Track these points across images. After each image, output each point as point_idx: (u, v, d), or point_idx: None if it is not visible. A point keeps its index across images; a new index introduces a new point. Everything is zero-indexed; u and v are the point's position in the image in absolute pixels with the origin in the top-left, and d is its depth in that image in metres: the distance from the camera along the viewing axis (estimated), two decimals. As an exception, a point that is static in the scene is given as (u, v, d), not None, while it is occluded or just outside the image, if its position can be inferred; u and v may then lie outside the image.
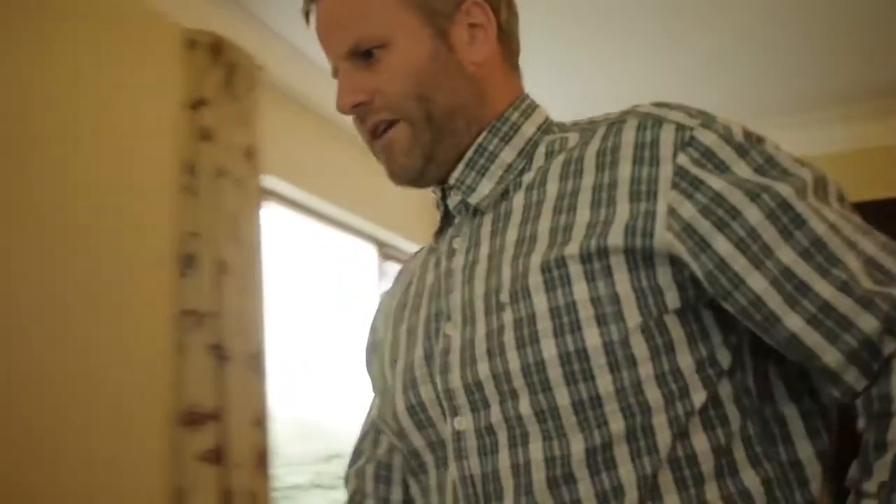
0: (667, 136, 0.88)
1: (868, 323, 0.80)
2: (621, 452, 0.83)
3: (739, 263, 0.83)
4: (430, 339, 0.95)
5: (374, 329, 1.13)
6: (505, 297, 0.87)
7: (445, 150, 0.98)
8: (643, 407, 0.83)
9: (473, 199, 0.99)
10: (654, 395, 0.84)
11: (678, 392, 0.84)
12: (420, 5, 0.97)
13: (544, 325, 0.84)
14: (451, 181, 1.00)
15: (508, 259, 0.90)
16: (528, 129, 1.01)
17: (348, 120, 1.02)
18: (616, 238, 0.85)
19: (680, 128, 0.88)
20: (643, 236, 0.85)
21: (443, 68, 0.97)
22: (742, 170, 0.86)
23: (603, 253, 0.85)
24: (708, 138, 0.87)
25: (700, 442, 0.84)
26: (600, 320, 0.83)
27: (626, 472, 0.83)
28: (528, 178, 0.97)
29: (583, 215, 0.88)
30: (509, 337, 0.86)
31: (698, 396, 0.84)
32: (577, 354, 0.83)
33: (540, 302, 0.85)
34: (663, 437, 0.83)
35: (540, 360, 0.84)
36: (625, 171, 0.88)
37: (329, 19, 0.98)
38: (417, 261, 1.10)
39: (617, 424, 0.83)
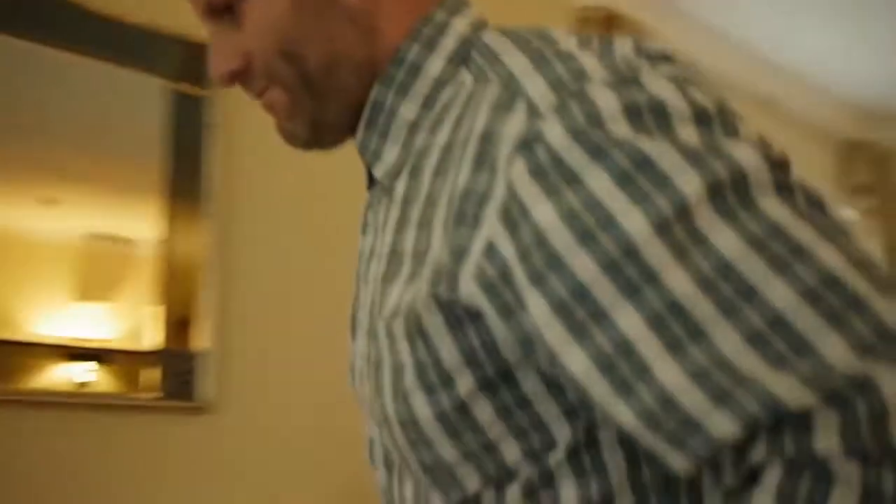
0: (510, 130, 0.64)
1: (720, 426, 0.57)
2: None
3: (554, 333, 0.61)
4: (354, 329, 0.84)
5: None
6: (381, 330, 0.73)
7: (336, 112, 0.81)
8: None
9: (378, 172, 0.80)
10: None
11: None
12: None
13: (410, 380, 0.70)
14: (357, 146, 0.82)
15: (400, 274, 0.73)
16: (434, 64, 0.77)
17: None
18: (424, 287, 0.68)
19: (530, 113, 0.64)
20: (449, 288, 0.66)
21: (310, 12, 0.77)
22: (593, 182, 0.60)
23: (420, 304, 0.68)
24: (556, 136, 0.62)
25: None
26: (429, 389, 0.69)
27: None
28: (441, 140, 0.74)
29: (436, 241, 0.69)
30: (385, 377, 0.73)
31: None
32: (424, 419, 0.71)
33: (404, 351, 0.70)
34: None
35: (409, 419, 0.71)
36: (462, 177, 0.67)
37: None
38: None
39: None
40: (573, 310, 0.60)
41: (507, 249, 0.62)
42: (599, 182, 0.59)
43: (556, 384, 0.66)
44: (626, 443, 0.67)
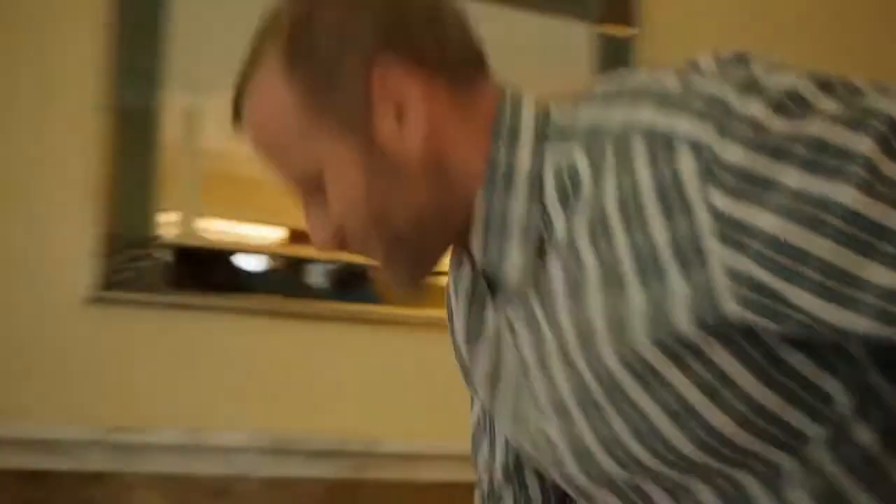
0: (687, 168, 0.69)
1: None
2: None
3: (830, 313, 0.67)
4: (527, 428, 0.89)
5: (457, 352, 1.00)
6: (601, 399, 0.79)
7: (432, 253, 0.86)
8: None
9: (510, 277, 0.83)
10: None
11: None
12: (328, 116, 0.82)
13: (659, 419, 0.77)
14: (476, 258, 0.86)
15: (577, 350, 0.79)
16: (523, 160, 0.80)
17: None
18: (683, 323, 0.72)
19: (695, 148, 0.69)
20: (713, 316, 0.71)
21: (385, 177, 0.81)
22: (788, 179, 0.66)
23: (679, 340, 0.73)
24: (734, 154, 0.67)
25: None
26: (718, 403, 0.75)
27: None
28: (557, 235, 0.79)
29: (635, 295, 0.74)
30: (624, 434, 0.79)
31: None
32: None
33: (642, 399, 0.76)
34: None
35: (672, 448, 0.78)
36: (659, 232, 0.72)
37: (258, 152, 0.87)
38: (454, 296, 0.96)
39: None
40: (835, 287, 0.66)
41: (747, 265, 0.68)
42: (793, 176, 0.66)
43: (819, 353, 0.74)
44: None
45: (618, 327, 0.75)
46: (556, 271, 0.80)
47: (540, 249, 0.81)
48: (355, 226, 0.84)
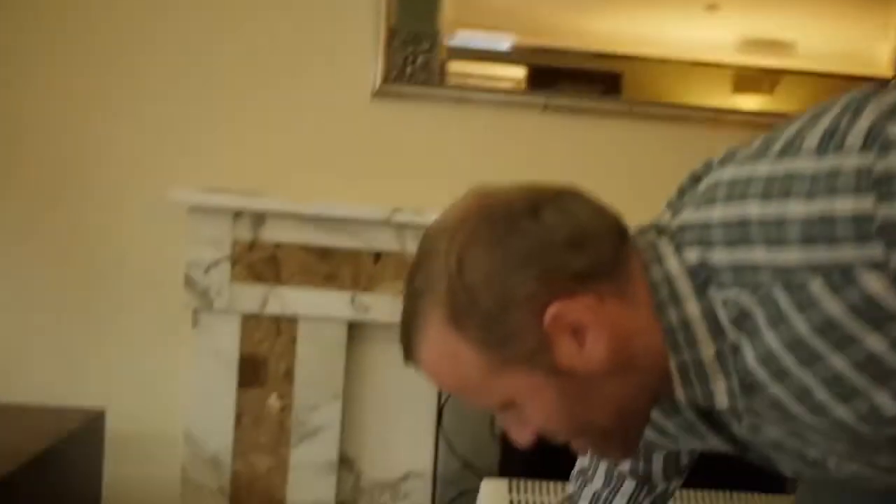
0: (876, 287, 0.71)
1: None
2: None
3: None
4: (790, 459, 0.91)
5: None
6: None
7: (638, 426, 0.90)
8: None
9: (723, 404, 0.84)
10: None
11: None
12: (510, 361, 0.83)
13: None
14: (686, 405, 0.87)
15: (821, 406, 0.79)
16: (692, 309, 0.82)
17: None
18: None
19: (877, 268, 0.71)
20: None
21: (579, 392, 0.84)
22: None
23: None
24: None
25: None
26: None
27: None
28: (748, 356, 0.80)
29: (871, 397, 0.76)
30: None
31: None
32: None
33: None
34: None
35: None
36: (877, 343, 0.73)
37: (446, 390, 0.90)
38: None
39: None
40: None
41: None
42: None
43: None
44: None
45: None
46: (763, 376, 0.81)
47: (737, 371, 0.83)
48: (561, 434, 0.88)
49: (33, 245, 2.07)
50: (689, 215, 0.82)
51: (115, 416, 1.96)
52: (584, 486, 1.20)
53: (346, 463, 2.11)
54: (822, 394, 0.77)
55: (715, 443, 0.95)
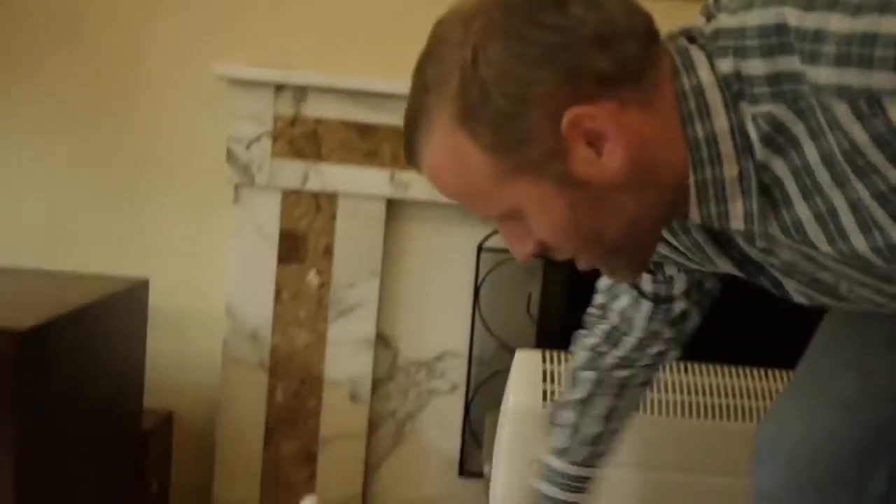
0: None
1: None
2: None
3: None
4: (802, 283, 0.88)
5: None
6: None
7: (649, 244, 0.87)
8: None
9: (740, 226, 0.80)
10: None
11: None
12: (520, 167, 0.78)
13: None
14: (703, 222, 0.82)
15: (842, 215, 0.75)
16: (720, 123, 0.76)
17: None
18: None
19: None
20: None
21: (591, 204, 0.79)
22: None
23: None
24: None
25: None
26: None
27: None
28: (779, 172, 0.75)
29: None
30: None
31: None
32: None
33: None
34: None
35: None
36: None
37: (447, 195, 0.85)
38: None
39: None
40: None
41: None
42: None
43: None
44: None
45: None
46: (791, 190, 0.76)
47: (762, 191, 0.78)
48: (566, 247, 0.84)
49: (78, 120, 2.10)
50: (724, 20, 0.77)
51: (158, 291, 2.00)
52: (612, 301, 1.20)
53: (382, 340, 2.13)
54: (846, 218, 0.73)
55: (722, 264, 0.93)
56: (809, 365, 1.09)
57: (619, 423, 1.27)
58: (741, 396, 1.75)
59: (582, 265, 0.88)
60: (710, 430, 1.72)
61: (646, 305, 1.15)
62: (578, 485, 1.28)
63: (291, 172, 2.02)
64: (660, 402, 1.73)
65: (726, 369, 1.79)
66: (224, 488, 2.07)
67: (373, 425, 2.14)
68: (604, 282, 1.22)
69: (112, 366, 1.74)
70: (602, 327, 1.22)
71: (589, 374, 1.23)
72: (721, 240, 0.89)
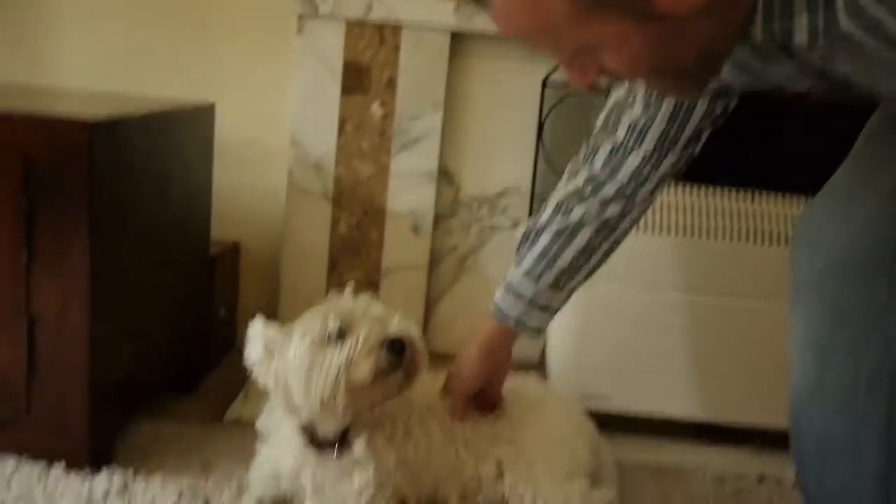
0: None
1: None
2: None
3: None
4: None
5: None
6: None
7: (717, 67, 0.88)
8: None
9: (803, 42, 0.80)
10: None
11: None
12: (600, 4, 0.75)
13: None
14: (767, 39, 0.82)
15: None
16: None
17: None
18: None
19: None
20: None
21: (670, 38, 0.78)
22: None
23: None
24: None
25: None
26: None
27: None
28: None
29: None
30: None
31: None
32: None
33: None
34: None
35: None
36: None
37: (518, 34, 0.81)
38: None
39: None
40: None
41: None
42: None
43: None
44: None
45: None
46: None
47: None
48: (636, 78, 0.88)
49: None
50: None
51: (224, 123, 2.02)
52: (622, 113, 1.22)
53: (445, 175, 2.14)
54: None
55: (785, 70, 0.92)
56: (853, 160, 1.11)
57: (590, 264, 1.32)
58: (780, 222, 1.75)
59: (650, 89, 0.93)
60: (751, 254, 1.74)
61: (666, 108, 1.17)
62: (538, 304, 1.35)
63: (355, 2, 2.00)
64: (706, 226, 1.73)
65: (771, 195, 1.79)
66: (289, 316, 2.12)
67: (434, 260, 2.17)
68: (610, 102, 1.23)
69: (181, 181, 1.78)
70: (606, 147, 1.25)
71: (578, 205, 1.29)
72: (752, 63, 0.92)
